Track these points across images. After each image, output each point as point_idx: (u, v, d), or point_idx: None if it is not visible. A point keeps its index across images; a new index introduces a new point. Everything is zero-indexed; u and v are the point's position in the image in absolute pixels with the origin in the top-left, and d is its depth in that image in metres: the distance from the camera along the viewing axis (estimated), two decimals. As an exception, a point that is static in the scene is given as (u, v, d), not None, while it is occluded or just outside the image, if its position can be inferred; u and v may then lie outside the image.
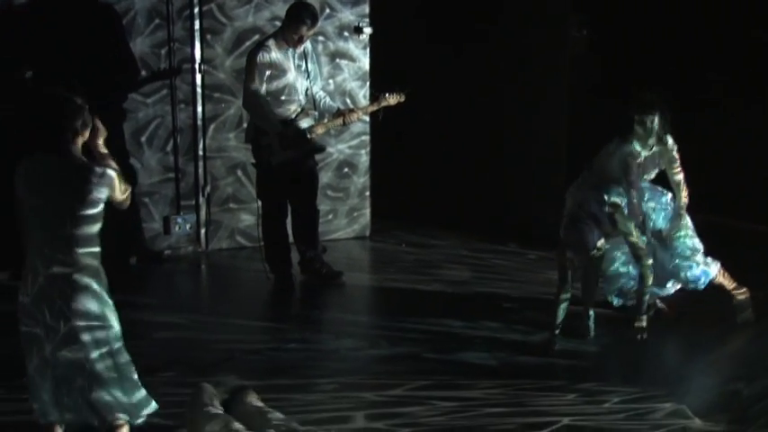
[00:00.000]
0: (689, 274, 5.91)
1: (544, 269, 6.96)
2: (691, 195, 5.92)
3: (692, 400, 4.76)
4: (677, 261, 5.91)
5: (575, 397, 4.82)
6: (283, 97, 6.52)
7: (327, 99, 6.82)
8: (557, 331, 5.65)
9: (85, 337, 3.89)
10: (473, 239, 8.11)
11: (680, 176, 5.89)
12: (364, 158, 8.17)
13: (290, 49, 6.51)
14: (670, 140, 5.82)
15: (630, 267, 6.00)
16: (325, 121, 6.69)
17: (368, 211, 8.27)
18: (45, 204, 3.89)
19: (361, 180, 8.18)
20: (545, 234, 7.53)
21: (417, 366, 5.22)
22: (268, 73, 6.42)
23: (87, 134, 4.07)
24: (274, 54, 6.45)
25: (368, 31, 7.88)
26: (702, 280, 5.93)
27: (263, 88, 6.41)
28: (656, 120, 5.69)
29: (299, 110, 6.61)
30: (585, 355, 5.52)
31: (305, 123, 6.61)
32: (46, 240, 3.88)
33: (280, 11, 7.41)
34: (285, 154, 6.46)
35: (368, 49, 7.96)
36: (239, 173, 7.69)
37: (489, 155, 8.45)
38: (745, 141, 7.96)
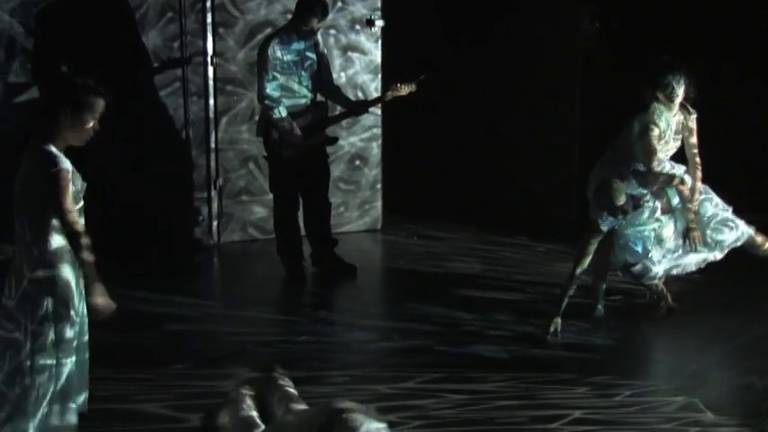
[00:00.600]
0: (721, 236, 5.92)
1: (554, 262, 6.96)
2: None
3: (704, 393, 4.74)
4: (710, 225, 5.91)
5: (586, 390, 4.81)
6: (295, 91, 6.53)
7: (337, 89, 6.84)
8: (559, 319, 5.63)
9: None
10: (484, 232, 8.09)
11: (695, 148, 5.87)
12: (376, 151, 8.16)
13: (301, 42, 6.51)
14: (693, 111, 5.83)
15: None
16: (339, 115, 6.75)
17: (379, 204, 8.27)
18: (18, 201, 3.82)
19: (373, 173, 8.18)
20: (555, 227, 7.56)
21: (429, 359, 5.23)
22: (279, 65, 6.43)
23: (82, 130, 3.87)
24: (285, 47, 6.46)
25: (380, 23, 7.86)
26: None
27: (275, 82, 6.42)
28: (680, 81, 5.70)
29: (310, 103, 6.62)
30: (597, 348, 5.51)
31: (317, 116, 6.63)
32: (27, 241, 3.80)
33: (291, 4, 7.38)
34: (296, 147, 6.47)
35: (380, 42, 7.95)
36: (251, 165, 7.69)
37: (501, 147, 8.44)
38: (757, 136, 7.92)
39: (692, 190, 5.85)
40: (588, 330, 5.74)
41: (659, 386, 4.86)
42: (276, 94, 6.43)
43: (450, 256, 7.48)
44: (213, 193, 7.66)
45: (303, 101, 6.58)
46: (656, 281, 5.85)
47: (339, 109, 6.79)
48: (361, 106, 6.92)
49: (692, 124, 5.89)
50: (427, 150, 8.69)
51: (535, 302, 6.27)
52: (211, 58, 7.44)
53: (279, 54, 6.43)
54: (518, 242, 7.73)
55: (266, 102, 6.45)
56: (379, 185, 8.22)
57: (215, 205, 7.68)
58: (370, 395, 4.68)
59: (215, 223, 7.70)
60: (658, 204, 5.84)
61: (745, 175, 7.67)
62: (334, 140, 6.96)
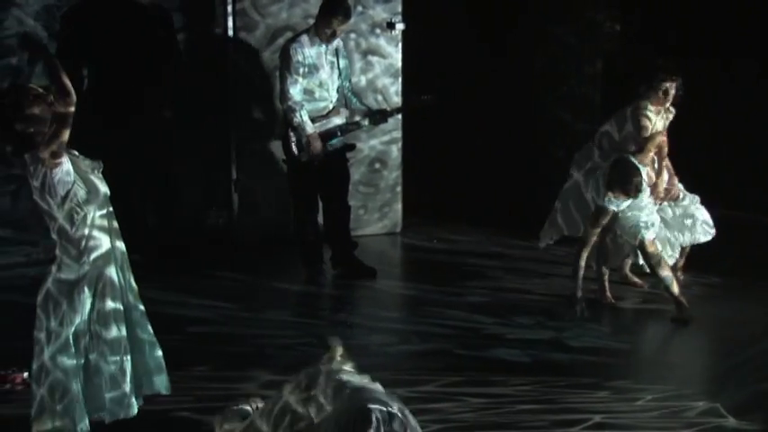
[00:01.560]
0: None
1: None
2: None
3: (726, 398, 4.71)
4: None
5: (607, 394, 4.79)
6: (316, 94, 6.55)
7: (358, 101, 6.88)
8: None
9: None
10: (504, 235, 8.08)
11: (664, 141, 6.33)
12: (396, 154, 8.16)
13: (323, 45, 6.53)
14: (672, 110, 6.29)
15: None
16: (359, 122, 6.81)
17: (399, 207, 8.26)
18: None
19: (393, 176, 8.17)
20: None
21: (448, 362, 5.22)
22: (302, 69, 6.45)
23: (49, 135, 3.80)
24: (307, 50, 6.48)
25: (400, 26, 7.85)
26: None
27: (299, 85, 6.44)
28: (673, 84, 6.13)
29: (331, 107, 6.63)
30: (618, 352, 5.49)
31: (337, 120, 6.64)
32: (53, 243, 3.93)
33: (312, 8, 7.42)
34: (314, 152, 6.49)
35: (400, 46, 7.95)
36: (272, 167, 7.71)
37: (521, 150, 8.43)
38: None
39: (669, 193, 6.40)
40: (609, 334, 5.73)
41: (680, 391, 4.83)
42: (299, 97, 6.46)
43: (469, 258, 7.46)
44: (234, 194, 7.68)
45: (323, 104, 6.60)
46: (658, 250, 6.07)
47: (357, 116, 6.81)
48: (380, 116, 6.91)
49: (667, 122, 6.31)
50: (447, 153, 8.70)
51: (555, 306, 6.25)
52: (232, 61, 7.46)
53: (301, 57, 6.45)
54: (538, 245, 7.69)
55: (288, 104, 6.46)
56: (398, 188, 8.22)
57: (235, 207, 7.70)
58: (390, 398, 4.68)
59: (235, 225, 7.72)
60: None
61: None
62: (352, 147, 6.96)
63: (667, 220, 6.41)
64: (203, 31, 7.36)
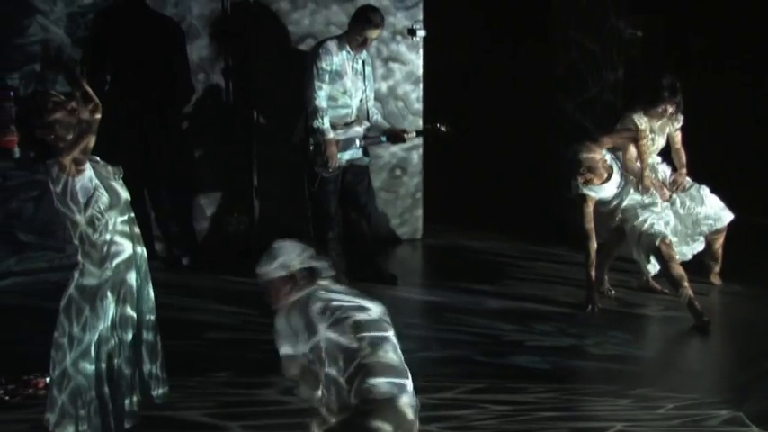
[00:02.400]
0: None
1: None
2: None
3: (749, 407, 4.67)
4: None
5: (628, 402, 4.76)
6: (339, 101, 6.56)
7: (379, 116, 6.89)
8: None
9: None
10: (524, 242, 8.06)
11: (680, 146, 6.56)
12: (417, 161, 8.15)
13: (351, 53, 6.54)
14: (681, 117, 6.44)
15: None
16: (380, 138, 6.85)
17: (420, 213, 8.26)
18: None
19: (414, 182, 8.17)
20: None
21: (469, 369, 5.21)
22: (327, 75, 6.46)
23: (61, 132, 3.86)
24: (333, 56, 6.49)
25: (421, 33, 7.85)
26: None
27: (323, 90, 6.45)
28: (673, 101, 6.30)
29: (353, 116, 6.64)
30: (639, 359, 5.46)
31: (358, 131, 6.66)
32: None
33: (334, 16, 7.48)
34: (330, 161, 6.50)
35: (421, 52, 7.95)
36: (293, 174, 7.72)
37: (542, 157, 8.41)
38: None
39: (677, 183, 6.54)
40: (630, 342, 5.69)
41: (703, 399, 4.79)
42: (323, 102, 6.46)
43: (490, 264, 7.45)
44: (254, 201, 7.70)
45: (345, 111, 6.61)
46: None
47: (376, 131, 6.84)
48: (398, 137, 6.91)
49: (676, 127, 6.51)
50: (468, 160, 8.69)
51: (575, 313, 6.23)
52: (254, 68, 7.49)
53: (327, 62, 6.46)
54: (558, 252, 7.68)
55: (312, 107, 6.46)
56: (419, 195, 8.21)
57: (256, 213, 7.72)
58: (411, 405, 4.67)
59: (255, 231, 7.74)
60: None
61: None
62: (367, 159, 6.95)
63: (678, 226, 6.47)
64: (226, 38, 7.38)
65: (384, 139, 6.91)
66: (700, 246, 6.58)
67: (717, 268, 6.69)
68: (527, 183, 8.68)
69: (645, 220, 6.21)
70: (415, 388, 4.88)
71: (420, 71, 7.96)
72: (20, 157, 6.44)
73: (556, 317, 6.15)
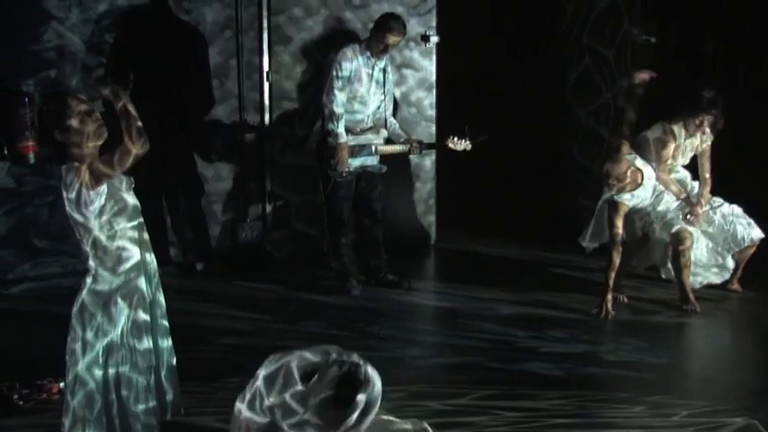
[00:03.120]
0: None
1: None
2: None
3: (764, 414, 4.65)
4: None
5: (642, 409, 4.75)
6: (354, 106, 6.57)
7: (397, 126, 6.89)
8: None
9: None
10: (538, 248, 8.06)
11: (707, 165, 6.53)
12: (430, 167, 8.16)
13: (371, 59, 6.56)
14: (710, 135, 6.42)
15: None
16: (396, 146, 6.80)
17: (433, 219, 8.26)
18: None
19: (427, 188, 8.17)
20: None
21: (482, 375, 5.20)
22: (342, 80, 6.47)
23: (86, 136, 3.89)
24: (350, 62, 6.51)
25: (434, 39, 7.86)
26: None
27: (340, 95, 6.46)
28: (711, 118, 6.27)
29: (369, 122, 6.66)
30: (653, 366, 5.44)
31: (373, 138, 6.67)
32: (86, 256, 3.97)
33: (347, 22, 7.48)
34: (341, 167, 6.51)
35: (434, 58, 7.95)
36: (305, 180, 7.74)
37: (556, 163, 8.40)
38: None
39: (701, 196, 6.50)
40: (644, 349, 5.67)
41: (717, 406, 4.77)
42: (340, 107, 6.48)
43: (503, 271, 7.44)
44: (267, 206, 7.71)
45: (360, 116, 6.62)
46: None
47: (393, 140, 6.84)
48: (416, 147, 6.86)
49: (706, 141, 6.49)
50: (481, 166, 8.67)
51: (589, 320, 6.21)
52: (267, 73, 7.51)
53: (343, 67, 6.48)
54: (571, 258, 7.66)
55: (327, 111, 6.48)
56: (432, 201, 8.22)
57: (269, 219, 7.74)
58: (424, 411, 4.67)
59: (268, 237, 7.75)
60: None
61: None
62: (382, 168, 6.92)
63: (710, 232, 6.52)
64: (239, 45, 7.40)
65: (399, 148, 6.88)
66: (726, 273, 6.65)
67: (737, 276, 6.69)
68: (540, 189, 8.66)
69: (673, 222, 6.33)
70: (428, 394, 4.91)
71: (433, 77, 7.97)
72: (34, 162, 6.47)
73: (569, 323, 6.14)
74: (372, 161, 6.76)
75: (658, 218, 6.42)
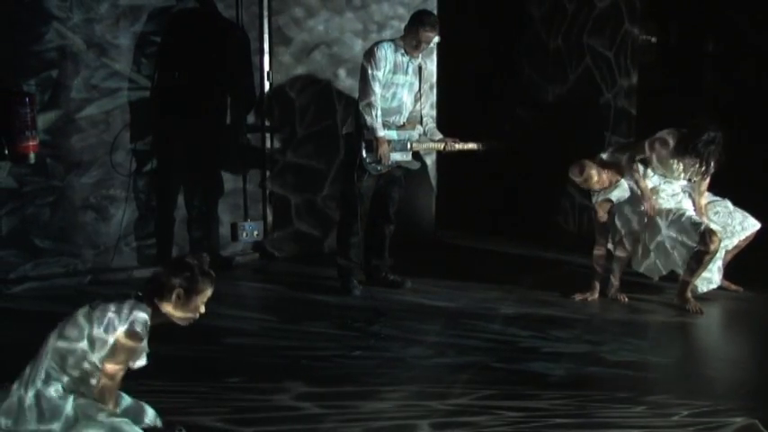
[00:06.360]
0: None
1: (612, 279, 6.88)
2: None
3: (765, 414, 4.65)
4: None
5: (643, 409, 4.75)
6: (390, 102, 6.55)
7: (433, 124, 6.90)
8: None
9: None
10: (539, 249, 8.06)
11: (704, 187, 6.58)
12: (430, 166, 8.16)
13: (406, 57, 6.54)
14: (707, 174, 6.47)
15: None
16: (430, 143, 6.79)
17: (434, 218, 8.26)
18: None
19: (428, 187, 8.18)
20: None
21: (484, 375, 5.20)
22: (381, 73, 6.44)
23: (190, 311, 4.05)
24: (390, 56, 6.49)
25: (436, 39, 7.83)
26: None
27: (378, 87, 6.44)
28: (711, 157, 6.31)
29: (404, 119, 6.64)
30: (654, 366, 5.44)
31: (410, 134, 6.65)
32: None
33: (348, 23, 7.50)
34: (380, 160, 6.49)
35: (434, 58, 7.95)
36: (306, 181, 7.74)
37: (558, 164, 8.38)
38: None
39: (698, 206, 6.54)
40: (645, 349, 5.68)
41: (718, 406, 4.77)
42: (377, 100, 6.42)
43: (504, 271, 7.45)
44: (268, 207, 7.72)
45: (394, 116, 6.60)
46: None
47: (431, 139, 6.83)
48: (448, 146, 6.85)
49: (698, 180, 6.53)
50: (481, 166, 8.68)
51: (590, 320, 6.22)
52: (268, 74, 7.51)
53: (384, 60, 6.45)
54: (573, 260, 7.67)
55: (365, 103, 6.43)
56: (433, 200, 8.22)
57: (270, 219, 7.74)
58: (425, 411, 4.67)
59: (270, 238, 7.76)
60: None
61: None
62: (415, 165, 6.92)
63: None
64: (240, 46, 7.40)
65: (433, 146, 6.87)
66: (713, 285, 6.63)
67: (722, 273, 6.69)
68: (541, 188, 8.66)
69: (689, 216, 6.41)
70: (430, 394, 4.91)
71: (434, 77, 7.96)
72: (35, 162, 6.49)
73: (571, 323, 6.14)
74: (408, 157, 6.73)
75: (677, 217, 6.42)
